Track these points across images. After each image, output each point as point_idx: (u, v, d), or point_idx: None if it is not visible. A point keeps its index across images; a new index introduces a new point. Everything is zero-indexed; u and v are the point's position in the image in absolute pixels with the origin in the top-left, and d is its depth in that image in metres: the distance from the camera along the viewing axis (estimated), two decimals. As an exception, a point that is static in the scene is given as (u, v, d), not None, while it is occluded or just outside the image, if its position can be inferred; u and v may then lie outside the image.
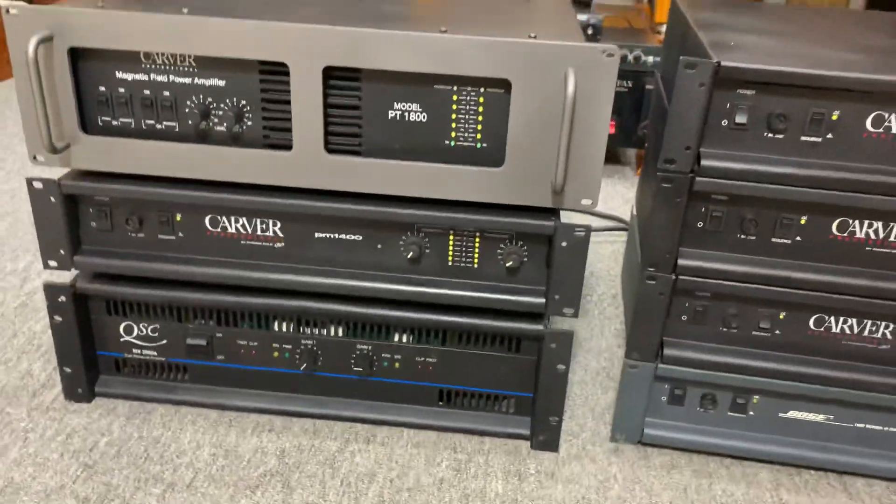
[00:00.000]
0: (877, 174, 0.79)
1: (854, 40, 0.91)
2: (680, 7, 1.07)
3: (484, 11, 0.92)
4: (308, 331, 0.95)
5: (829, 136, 0.79)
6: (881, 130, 0.78)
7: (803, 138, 0.80)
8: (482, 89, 0.81)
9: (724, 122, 0.80)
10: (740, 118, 0.79)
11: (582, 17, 1.69)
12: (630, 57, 1.69)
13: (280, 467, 0.90)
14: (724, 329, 0.90)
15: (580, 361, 1.14)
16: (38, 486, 0.86)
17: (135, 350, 0.98)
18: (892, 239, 0.83)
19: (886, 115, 0.78)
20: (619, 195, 1.70)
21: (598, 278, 1.36)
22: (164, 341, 0.97)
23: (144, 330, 0.97)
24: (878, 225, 0.82)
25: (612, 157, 1.91)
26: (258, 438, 0.95)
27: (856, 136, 0.79)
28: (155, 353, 0.98)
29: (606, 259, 1.43)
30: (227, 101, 0.83)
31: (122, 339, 0.98)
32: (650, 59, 1.68)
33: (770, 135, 0.80)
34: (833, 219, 0.83)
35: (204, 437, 0.94)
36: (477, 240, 0.89)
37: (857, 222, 0.83)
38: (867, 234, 0.83)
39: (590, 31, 1.69)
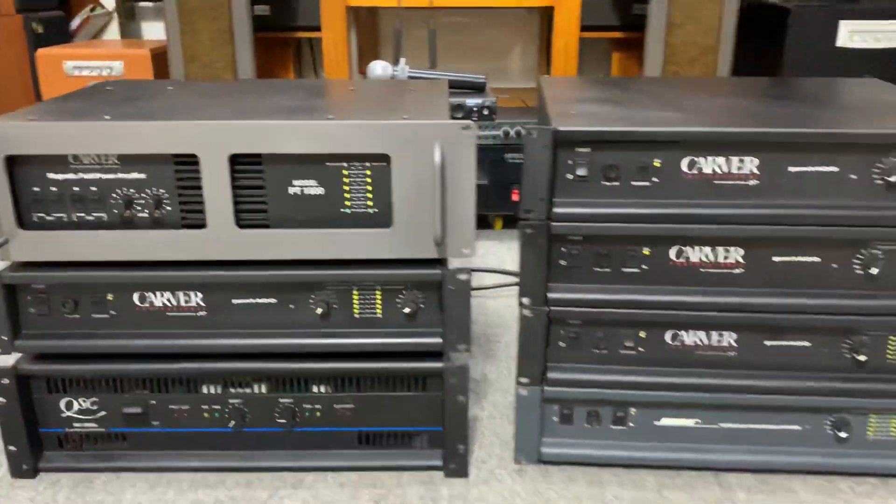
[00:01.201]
0: (698, 207, 0.96)
1: (679, 102, 1.10)
2: (542, 85, 1.25)
3: (370, 101, 1.08)
4: (234, 390, 1.05)
5: (655, 179, 0.96)
6: (695, 171, 0.96)
7: (633, 183, 0.97)
8: (367, 163, 0.96)
9: (569, 176, 0.97)
10: (581, 171, 0.96)
11: (477, 100, 1.89)
12: (524, 131, 1.89)
13: (215, 516, 0.99)
14: (597, 351, 1.04)
15: (490, 399, 1.26)
16: (-13, 554, 0.93)
17: (76, 424, 1.07)
18: (720, 260, 0.99)
19: (697, 159, 0.95)
20: (526, 255, 1.86)
21: (504, 327, 1.50)
22: (103, 413, 1.06)
23: (84, 404, 1.06)
24: (708, 250, 0.99)
25: (515, 221, 2.08)
26: (194, 494, 1.03)
27: (676, 177, 0.96)
28: (95, 425, 1.07)
29: (511, 310, 1.57)
30: (147, 190, 0.97)
31: (63, 415, 1.06)
32: (541, 131, 1.88)
33: (607, 183, 0.97)
34: (670, 247, 0.99)
35: (144, 497, 1.03)
36: (378, 292, 1.02)
37: (690, 249, 0.99)
38: (700, 258, 0.99)
39: (485, 112, 1.89)
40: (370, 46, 2.88)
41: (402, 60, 1.92)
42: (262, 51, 2.73)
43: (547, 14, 2.32)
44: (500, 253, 1.90)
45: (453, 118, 1.88)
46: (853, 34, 2.08)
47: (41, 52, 2.42)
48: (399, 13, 2.15)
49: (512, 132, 1.90)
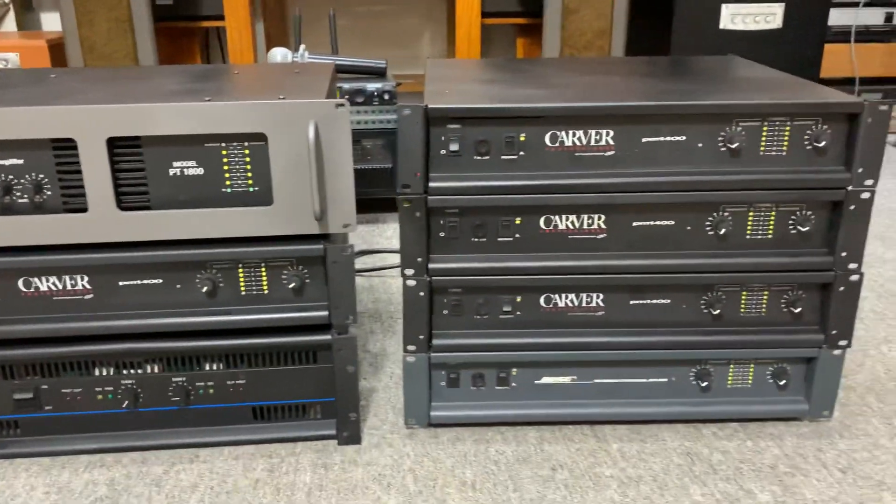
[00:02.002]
0: (562, 178, 1.03)
1: (548, 81, 1.16)
2: (427, 67, 1.30)
3: (251, 83, 1.11)
4: (126, 372, 1.07)
5: (522, 153, 1.03)
6: (557, 144, 1.02)
7: (503, 157, 1.03)
8: (245, 143, 0.99)
9: (443, 151, 1.02)
10: (454, 146, 1.02)
11: (377, 84, 1.93)
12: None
13: (110, 493, 1.01)
14: (478, 316, 1.10)
15: (387, 371, 1.31)
16: None
17: (-36, 413, 1.07)
18: (585, 227, 1.06)
19: (559, 133, 1.02)
20: (430, 235, 1.92)
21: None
22: (-7, 400, 1.07)
23: (-28, 392, 1.06)
24: (573, 217, 1.06)
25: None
26: (90, 474, 1.05)
27: (540, 151, 1.03)
28: (-16, 413, 1.07)
29: (415, 288, 1.62)
30: (27, 175, 0.97)
31: (-50, 405, 1.06)
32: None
33: (478, 157, 1.03)
34: (539, 216, 1.06)
35: (37, 480, 1.04)
36: (263, 269, 1.05)
37: (557, 217, 1.06)
38: (567, 225, 1.06)
39: (385, 96, 1.93)
40: (278, 34, 2.88)
41: (302, 47, 1.94)
42: (168, 41, 2.70)
43: (453, 1, 2.37)
44: (406, 234, 1.95)
45: (353, 102, 1.92)
46: (734, 16, 2.20)
47: (-70, 44, 2.34)
48: (303, 3, 2.16)
49: (412, 116, 1.94)
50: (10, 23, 2.92)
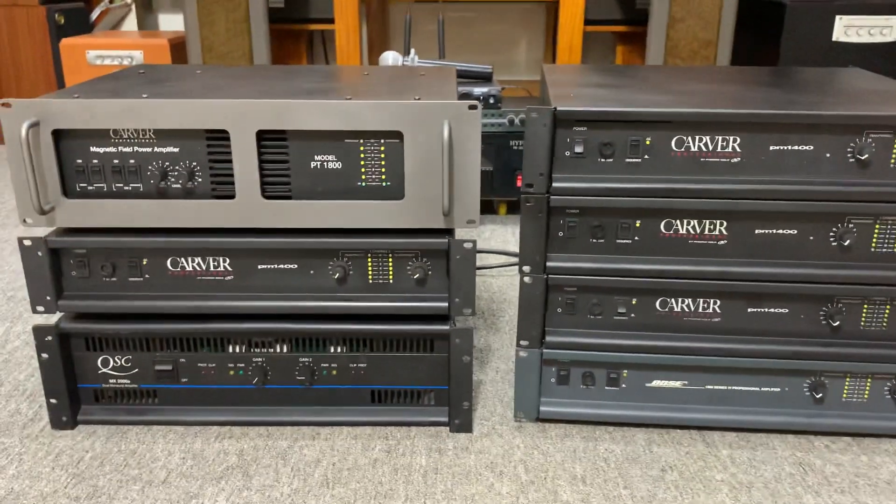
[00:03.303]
0: (685, 183, 1.05)
1: (671, 87, 1.18)
2: (544, 71, 1.34)
3: (384, 84, 1.17)
4: (257, 350, 1.15)
5: (647, 156, 1.05)
6: (683, 149, 1.04)
7: (627, 160, 1.05)
8: (382, 140, 1.05)
9: (567, 153, 1.05)
10: (578, 148, 1.05)
11: (483, 89, 1.98)
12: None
13: (240, 462, 1.08)
14: (591, 316, 1.12)
15: (493, 366, 1.35)
16: (34, 492, 1.02)
17: (111, 380, 1.16)
18: (706, 232, 1.07)
19: (685, 138, 1.03)
20: (529, 237, 1.95)
21: (507, 303, 1.59)
22: (136, 370, 1.15)
23: (119, 361, 1.15)
24: (695, 222, 1.07)
25: (518, 206, 2.16)
26: (220, 444, 1.13)
27: (666, 155, 1.04)
28: (128, 381, 1.16)
29: (513, 288, 1.65)
30: (181, 163, 1.06)
31: (99, 372, 1.16)
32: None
33: (602, 159, 1.05)
34: (660, 220, 1.07)
35: (174, 447, 1.12)
36: (390, 259, 1.11)
37: (678, 222, 1.07)
38: (687, 230, 1.08)
39: (491, 101, 1.97)
40: (380, 38, 2.97)
41: (412, 51, 2.00)
42: (276, 42, 2.83)
43: (553, 7, 2.40)
44: (505, 236, 1.99)
45: (461, 106, 1.97)
46: (848, 28, 2.15)
47: (65, 41, 2.51)
48: (409, 6, 2.23)
49: (517, 120, 1.99)
50: (132, 23, 3.11)
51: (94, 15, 2.99)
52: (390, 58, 1.98)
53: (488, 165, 2.04)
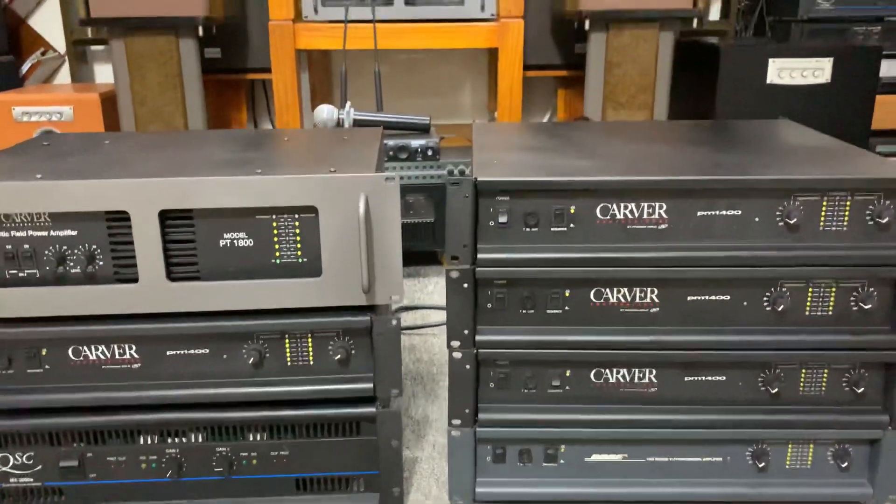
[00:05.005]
0: (613, 251, 1.01)
1: (596, 149, 1.15)
2: (473, 133, 1.30)
3: (301, 152, 1.12)
4: (171, 440, 1.07)
5: (572, 225, 1.01)
6: (608, 217, 1.00)
7: (553, 229, 1.01)
8: (296, 215, 0.99)
9: (491, 223, 1.01)
10: (502, 218, 1.00)
11: (421, 141, 1.94)
12: (467, 170, 1.94)
13: (151, 567, 1.00)
14: (525, 390, 1.07)
15: (430, 440, 1.29)
16: None
17: (12, 479, 1.07)
18: (637, 300, 1.04)
19: (610, 206, 1.00)
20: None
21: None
22: (40, 466, 1.07)
23: (20, 458, 1.06)
24: (625, 290, 1.03)
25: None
26: (131, 545, 1.04)
27: (591, 223, 1.01)
28: (31, 479, 1.07)
29: (458, 349, 1.60)
30: (80, 246, 0.98)
31: (-2, 471, 1.07)
32: (484, 171, 1.93)
33: (527, 229, 1.01)
34: (589, 289, 1.03)
35: (79, 551, 1.03)
36: (309, 340, 1.04)
37: (608, 290, 1.03)
38: (618, 298, 1.04)
39: (429, 153, 1.93)
40: (324, 87, 2.92)
41: (348, 104, 1.96)
42: (215, 92, 2.76)
43: (495, 52, 2.39)
44: (448, 290, 1.94)
45: (397, 158, 1.93)
46: (781, 71, 2.18)
47: (-11, 98, 2.42)
48: (347, 55, 2.20)
49: (455, 171, 1.94)
50: (66, 75, 3.02)
51: (25, 68, 2.90)
52: (325, 111, 1.94)
53: (430, 216, 2.00)
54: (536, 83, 2.94)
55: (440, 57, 3.03)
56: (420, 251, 2.03)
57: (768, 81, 2.18)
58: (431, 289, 1.96)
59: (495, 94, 2.51)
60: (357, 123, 1.94)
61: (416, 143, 1.93)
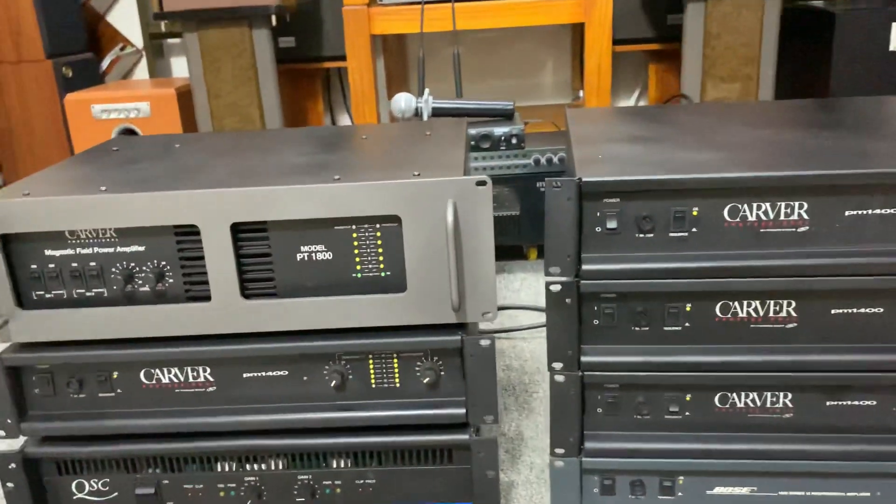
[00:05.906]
0: (742, 259, 0.87)
1: (716, 138, 1.00)
2: (568, 120, 1.17)
3: (381, 153, 1.02)
4: (250, 467, 0.99)
5: (694, 229, 0.87)
6: (738, 220, 0.86)
7: (671, 234, 0.88)
8: (377, 225, 0.89)
9: (598, 229, 0.88)
10: (611, 224, 0.88)
11: (505, 128, 1.81)
12: (555, 159, 1.81)
13: None
14: (638, 417, 0.95)
15: (525, 461, 1.17)
16: None
17: (88, 506, 1.02)
18: (770, 315, 0.89)
19: (740, 206, 0.86)
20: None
21: (542, 374, 1.41)
22: (115, 494, 1.01)
23: (95, 485, 1.01)
24: (756, 303, 0.89)
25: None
26: (211, 579, 0.97)
27: (717, 226, 0.87)
28: (107, 507, 1.02)
29: (551, 354, 1.48)
30: (148, 263, 0.91)
31: (74, 497, 1.01)
32: (574, 158, 1.79)
33: (641, 235, 0.88)
34: (715, 302, 0.90)
35: (158, 585, 0.97)
36: (395, 360, 0.95)
37: (736, 303, 0.89)
38: (748, 312, 0.90)
39: (513, 140, 1.81)
40: (400, 72, 2.82)
41: (427, 91, 1.85)
42: (290, 82, 2.70)
43: (579, 27, 2.23)
44: (537, 286, 1.82)
45: (479, 148, 1.81)
46: (907, 36, 1.94)
47: (69, 97, 2.42)
48: (424, 39, 2.09)
49: (542, 159, 1.81)
50: (144, 70, 3.02)
51: (105, 65, 2.92)
52: (403, 100, 1.83)
53: (515, 209, 1.87)
54: (625, 58, 2.76)
55: (517, 35, 2.88)
56: (505, 245, 1.92)
57: (892, 48, 1.95)
58: (518, 286, 1.84)
59: (580, 72, 2.36)
60: (436, 112, 1.83)
61: (499, 130, 1.81)
